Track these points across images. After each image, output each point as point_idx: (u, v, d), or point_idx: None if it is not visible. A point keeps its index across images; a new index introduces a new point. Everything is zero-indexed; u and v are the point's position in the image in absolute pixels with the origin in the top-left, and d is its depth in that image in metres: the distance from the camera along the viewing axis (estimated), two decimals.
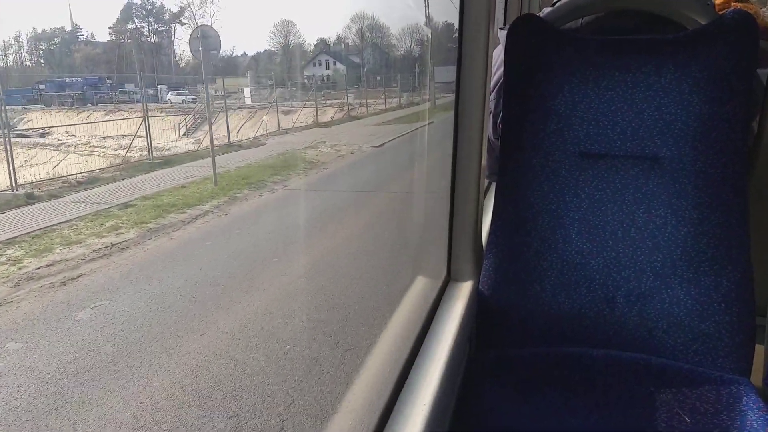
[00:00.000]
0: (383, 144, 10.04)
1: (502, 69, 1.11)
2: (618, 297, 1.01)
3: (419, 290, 1.15)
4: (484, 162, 1.10)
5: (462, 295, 1.08)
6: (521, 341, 1.06)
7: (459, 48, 1.03)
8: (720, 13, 1.01)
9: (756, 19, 0.97)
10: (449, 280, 1.14)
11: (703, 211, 0.98)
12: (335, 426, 0.88)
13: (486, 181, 1.24)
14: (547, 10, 1.15)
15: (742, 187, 0.97)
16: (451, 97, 1.06)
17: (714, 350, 0.97)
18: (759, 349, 0.98)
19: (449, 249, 1.14)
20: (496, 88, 1.17)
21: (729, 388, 0.92)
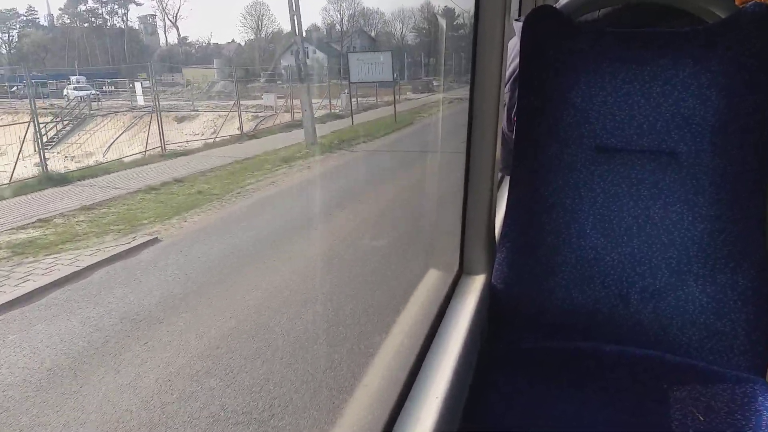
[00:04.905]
0: None
1: (517, 61, 1.09)
2: (632, 293, 1.00)
3: (431, 283, 1.15)
4: (498, 155, 1.09)
5: (474, 288, 1.08)
6: (534, 336, 1.05)
7: (474, 39, 1.02)
8: (741, 6, 0.99)
9: None
10: (461, 273, 1.14)
11: (720, 207, 0.96)
12: (346, 418, 0.89)
13: (499, 175, 1.24)
14: (563, 1, 1.13)
15: (761, 184, 0.96)
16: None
17: (729, 348, 0.96)
18: None
19: (462, 242, 1.13)
20: (510, 80, 1.16)
21: (744, 387, 0.91)
